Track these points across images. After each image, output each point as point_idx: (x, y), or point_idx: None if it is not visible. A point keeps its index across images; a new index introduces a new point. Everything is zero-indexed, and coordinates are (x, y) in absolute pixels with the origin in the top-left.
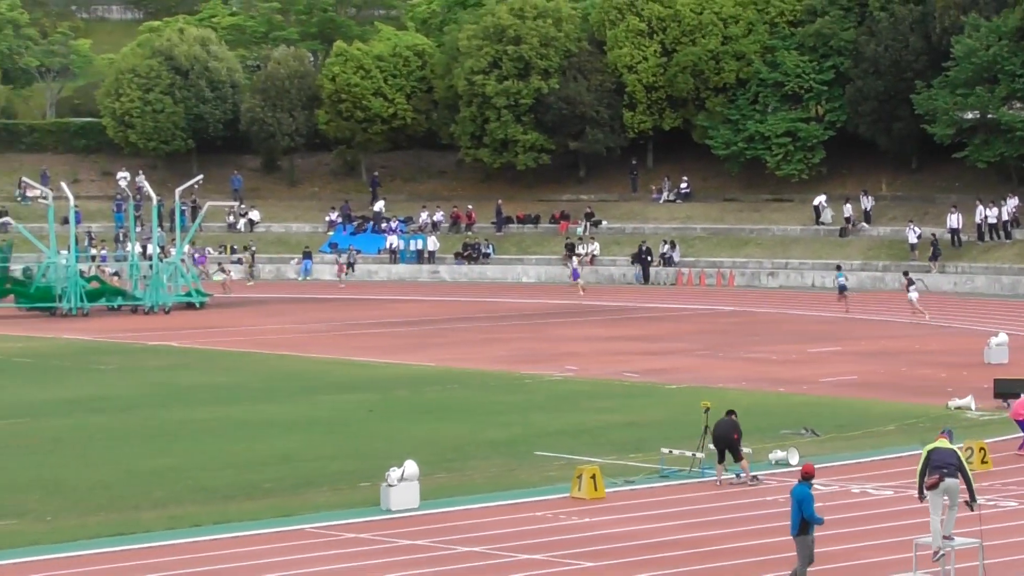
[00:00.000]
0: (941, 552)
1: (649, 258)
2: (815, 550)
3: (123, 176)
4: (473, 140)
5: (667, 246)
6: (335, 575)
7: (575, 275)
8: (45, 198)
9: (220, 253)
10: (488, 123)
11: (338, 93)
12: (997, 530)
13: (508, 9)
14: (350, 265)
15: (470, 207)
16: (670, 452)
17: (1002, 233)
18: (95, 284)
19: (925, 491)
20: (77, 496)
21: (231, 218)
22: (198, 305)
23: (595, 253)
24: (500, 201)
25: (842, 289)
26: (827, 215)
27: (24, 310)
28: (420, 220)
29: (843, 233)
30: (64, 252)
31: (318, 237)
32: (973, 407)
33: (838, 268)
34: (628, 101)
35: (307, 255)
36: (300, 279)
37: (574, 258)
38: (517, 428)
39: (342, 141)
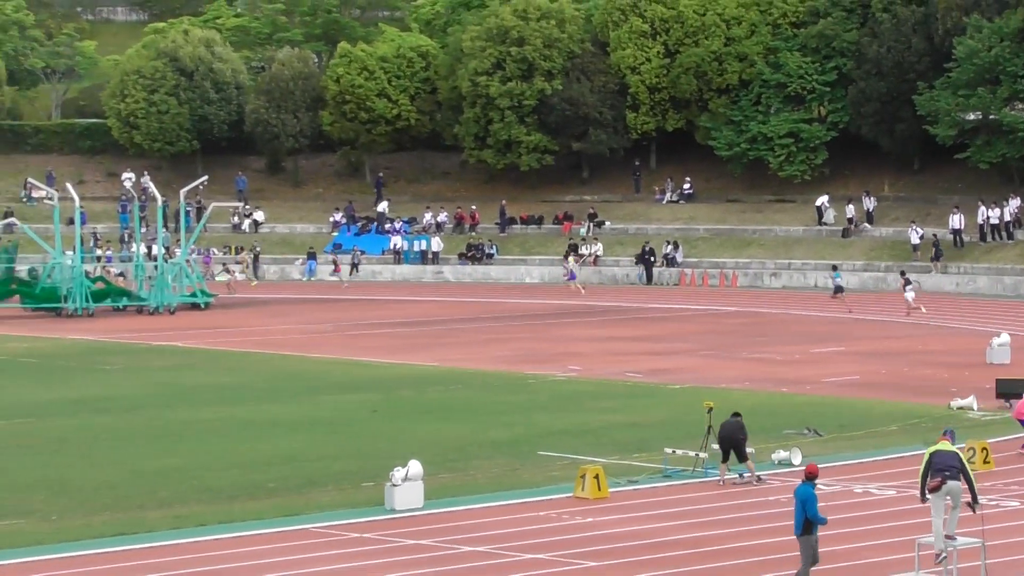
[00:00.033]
0: (944, 554)
1: (652, 259)
2: (819, 550)
3: (128, 177)
4: (477, 141)
5: (670, 247)
6: (339, 575)
7: (572, 276)
8: (50, 199)
9: (225, 254)
10: (492, 124)
11: (342, 94)
12: (999, 530)
13: (512, 10)
14: (354, 266)
15: (474, 208)
16: (673, 452)
17: (1004, 234)
18: (100, 285)
19: (927, 494)
20: (82, 496)
21: (236, 219)
22: (203, 305)
23: (598, 254)
24: (504, 202)
25: (838, 289)
26: (829, 216)
27: (29, 310)
28: (424, 221)
29: (845, 234)
30: (69, 253)
31: (322, 238)
32: (975, 407)
33: (834, 268)
34: (631, 102)
35: (311, 256)
36: (304, 280)
37: (570, 259)
38: (520, 428)
39: (346, 142)
